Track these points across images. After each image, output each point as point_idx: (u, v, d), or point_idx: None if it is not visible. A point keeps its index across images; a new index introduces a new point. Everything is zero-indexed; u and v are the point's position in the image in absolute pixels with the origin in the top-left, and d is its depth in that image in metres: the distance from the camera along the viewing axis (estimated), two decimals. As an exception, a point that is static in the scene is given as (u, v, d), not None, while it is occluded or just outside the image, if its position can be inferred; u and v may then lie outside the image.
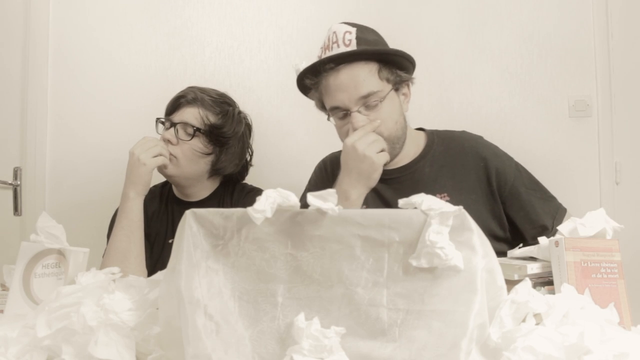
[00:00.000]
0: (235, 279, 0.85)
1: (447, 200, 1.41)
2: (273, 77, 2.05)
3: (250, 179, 1.80)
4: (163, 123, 1.65)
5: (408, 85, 1.48)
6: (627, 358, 0.78)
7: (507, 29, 1.96)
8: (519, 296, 0.86)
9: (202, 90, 1.66)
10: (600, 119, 1.92)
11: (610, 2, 1.93)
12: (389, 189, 1.46)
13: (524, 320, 0.85)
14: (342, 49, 1.39)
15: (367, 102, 1.38)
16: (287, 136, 2.03)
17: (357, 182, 1.35)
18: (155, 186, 1.76)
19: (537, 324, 0.85)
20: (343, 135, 1.44)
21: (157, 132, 1.65)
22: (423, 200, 0.84)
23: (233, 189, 1.71)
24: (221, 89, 1.72)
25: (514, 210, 1.45)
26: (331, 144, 1.66)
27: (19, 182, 2.06)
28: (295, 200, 0.84)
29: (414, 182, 1.46)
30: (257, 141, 1.80)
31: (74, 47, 2.10)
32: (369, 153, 1.34)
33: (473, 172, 1.46)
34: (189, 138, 1.59)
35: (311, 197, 0.83)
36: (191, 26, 2.08)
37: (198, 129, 1.60)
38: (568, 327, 0.82)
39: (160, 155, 1.53)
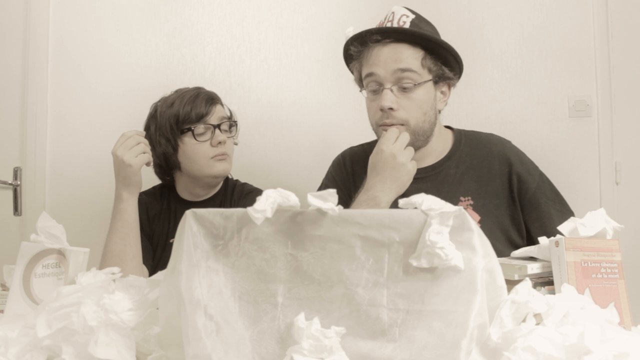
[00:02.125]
0: (236, 279, 0.84)
1: (470, 204, 1.42)
2: (273, 77, 2.05)
3: (250, 179, 1.80)
4: (192, 131, 1.57)
5: (449, 85, 1.48)
6: (627, 358, 0.78)
7: (507, 29, 1.96)
8: (519, 296, 0.86)
9: (204, 89, 1.67)
10: (600, 119, 1.92)
11: (610, 2, 1.93)
12: (414, 188, 1.41)
13: (524, 320, 0.85)
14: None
15: (402, 79, 1.37)
16: (287, 136, 2.03)
17: (391, 189, 1.34)
18: (154, 187, 1.76)
19: (537, 324, 0.85)
20: (371, 111, 1.43)
21: (197, 139, 1.57)
22: (423, 200, 0.84)
23: (233, 189, 1.71)
24: (221, 89, 1.75)
25: (531, 220, 1.43)
26: (331, 144, 1.67)
27: (19, 182, 2.06)
28: (295, 200, 0.84)
29: (438, 182, 1.45)
30: (257, 141, 1.81)
31: (74, 47, 2.10)
32: (406, 161, 1.34)
33: (498, 177, 1.44)
34: (231, 134, 1.64)
35: (311, 197, 0.83)
36: (191, 26, 2.08)
37: (235, 122, 1.65)
38: (568, 327, 0.82)
39: (145, 153, 1.45)
